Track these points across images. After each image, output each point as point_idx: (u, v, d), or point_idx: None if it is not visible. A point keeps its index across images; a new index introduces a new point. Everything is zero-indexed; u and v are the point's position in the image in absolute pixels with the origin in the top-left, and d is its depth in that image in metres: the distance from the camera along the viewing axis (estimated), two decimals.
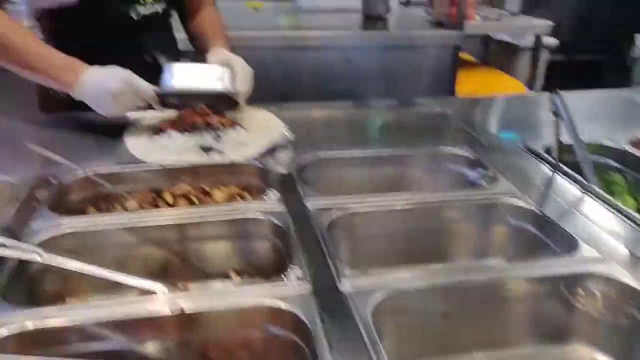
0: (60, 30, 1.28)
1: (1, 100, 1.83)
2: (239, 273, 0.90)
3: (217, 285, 0.87)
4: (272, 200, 0.93)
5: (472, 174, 1.13)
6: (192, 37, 1.50)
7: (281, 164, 1.08)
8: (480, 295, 0.78)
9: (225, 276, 0.90)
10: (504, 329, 0.80)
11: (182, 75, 1.19)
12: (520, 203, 0.97)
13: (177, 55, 1.50)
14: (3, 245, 0.72)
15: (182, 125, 1.16)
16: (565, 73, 3.33)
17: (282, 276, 0.73)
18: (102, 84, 1.11)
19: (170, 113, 1.24)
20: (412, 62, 2.27)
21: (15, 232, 0.83)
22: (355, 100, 1.64)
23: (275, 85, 2.00)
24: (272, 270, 0.89)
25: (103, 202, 1.00)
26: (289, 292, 0.71)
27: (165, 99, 1.18)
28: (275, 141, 1.16)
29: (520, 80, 2.97)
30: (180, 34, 1.54)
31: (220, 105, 1.22)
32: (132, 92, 1.12)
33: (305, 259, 0.78)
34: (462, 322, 0.77)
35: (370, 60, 2.21)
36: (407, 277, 0.76)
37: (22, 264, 0.76)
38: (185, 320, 0.68)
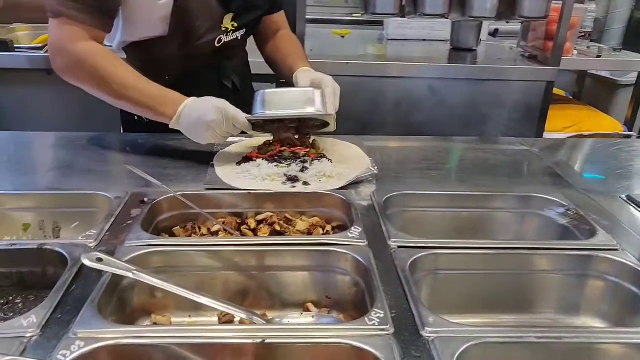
0: (146, 60, 1.35)
1: (90, 119, 2.02)
2: (317, 305, 0.90)
3: (294, 315, 0.87)
4: (355, 235, 0.93)
5: (565, 223, 1.08)
6: (271, 60, 1.55)
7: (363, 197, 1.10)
8: (571, 357, 0.73)
9: (303, 307, 0.90)
10: None
11: (273, 101, 1.24)
12: (621, 259, 0.91)
13: (251, 79, 1.58)
14: (100, 260, 0.77)
15: (269, 154, 1.21)
16: None
17: (364, 317, 0.72)
18: (200, 116, 1.16)
19: (259, 140, 1.29)
20: (501, 97, 2.21)
21: (110, 246, 0.89)
22: (438, 134, 1.63)
23: (358, 114, 2.08)
24: (351, 306, 0.88)
25: (189, 223, 1.04)
26: (370, 334, 0.70)
27: (258, 126, 1.22)
28: (361, 175, 1.17)
29: (618, 119, 2.81)
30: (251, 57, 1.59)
31: (312, 127, 1.25)
32: (227, 122, 1.17)
33: (387, 300, 0.77)
34: None
35: (456, 93, 2.18)
36: (492, 328, 0.73)
37: (115, 278, 0.81)
38: (265, 351, 0.69)
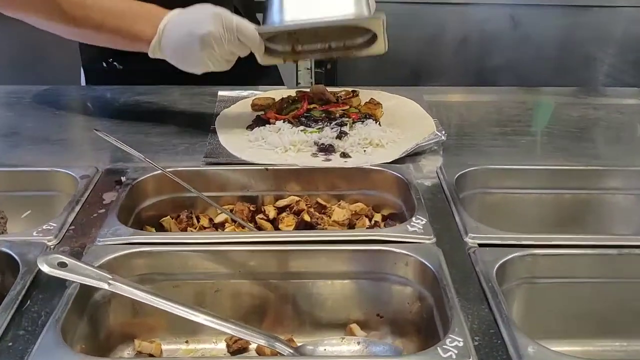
0: None
1: (42, 68, 2.01)
2: (364, 327, 0.88)
3: (333, 342, 0.84)
4: (417, 228, 0.90)
5: None
6: None
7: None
8: None
9: (345, 330, 0.88)
10: None
11: (296, 5, 1.15)
12: None
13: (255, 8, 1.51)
14: (63, 265, 0.75)
15: (293, 114, 1.19)
16: None
17: (437, 347, 0.69)
18: (191, 30, 1.10)
19: (277, 94, 1.27)
20: (611, 30, 2.16)
21: (76, 246, 0.87)
22: (522, 83, 1.61)
23: (412, 56, 2.04)
24: (413, 328, 0.86)
25: (184, 211, 1.03)
26: None
27: (274, 44, 1.15)
28: (423, 142, 1.15)
29: None
30: None
31: (352, 48, 1.18)
32: (230, 34, 1.10)
33: (466, 322, 0.74)
34: None
35: (547, 25, 2.13)
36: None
37: (85, 290, 0.78)
38: None
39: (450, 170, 1.07)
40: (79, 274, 0.74)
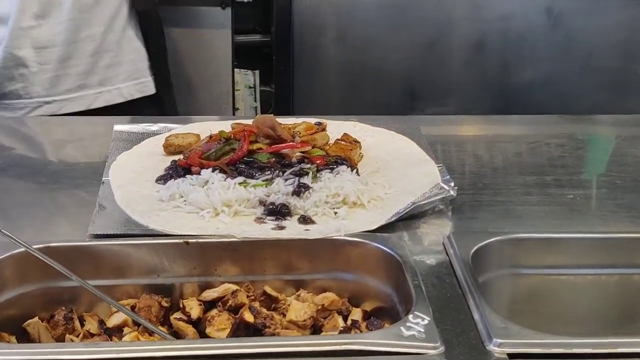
0: None
1: None
2: None
3: None
4: (417, 332, 0.89)
5: None
6: None
7: None
8: None
9: None
10: None
11: None
12: None
13: None
14: None
15: (227, 160, 1.20)
16: None
17: None
18: None
19: (208, 127, 1.31)
20: None
21: None
22: (564, 109, 1.67)
23: (405, 70, 2.07)
24: None
25: (61, 309, 1.01)
26: None
27: None
28: (422, 200, 1.16)
29: None
30: None
31: None
32: None
33: None
34: None
35: (599, 24, 2.17)
36: None
37: None
38: None
39: (464, 242, 1.07)
40: None
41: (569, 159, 1.39)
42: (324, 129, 1.30)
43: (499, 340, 0.89)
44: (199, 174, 1.18)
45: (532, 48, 2.18)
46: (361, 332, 0.99)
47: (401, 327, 0.90)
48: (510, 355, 0.88)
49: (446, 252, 1.07)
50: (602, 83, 2.16)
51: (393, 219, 1.12)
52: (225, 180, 1.15)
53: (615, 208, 1.26)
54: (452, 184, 1.20)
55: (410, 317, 0.91)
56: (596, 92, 2.14)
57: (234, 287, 1.03)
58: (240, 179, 1.16)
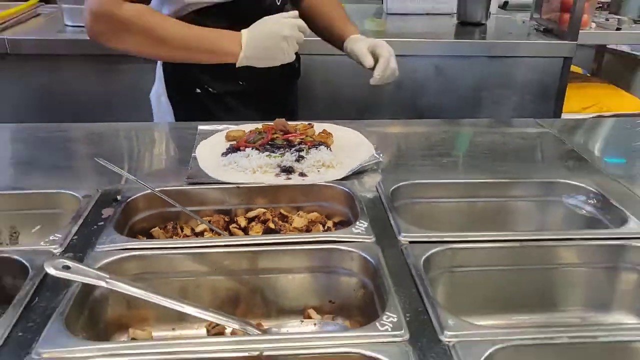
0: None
1: (52, 108, 1.97)
2: (319, 311, 0.87)
3: (293, 324, 0.84)
4: (361, 230, 0.90)
5: (593, 210, 1.06)
6: (310, 20, 1.51)
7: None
8: (608, 358, 0.72)
9: (303, 314, 0.87)
10: None
11: None
12: None
13: None
14: (67, 267, 0.73)
15: (260, 143, 1.18)
16: None
17: (375, 323, 0.69)
18: (271, 33, 1.26)
19: (246, 128, 1.26)
20: (514, 76, 2.19)
21: (79, 252, 0.85)
22: (445, 118, 1.60)
23: (357, 97, 2.02)
24: (358, 311, 0.86)
25: (170, 223, 1.01)
26: (383, 340, 0.67)
27: None
28: (364, 163, 1.15)
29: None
30: None
31: None
32: (298, 35, 1.28)
33: (400, 302, 0.74)
34: None
35: (464, 72, 2.15)
36: (519, 329, 0.71)
37: (86, 289, 0.77)
38: None
39: (387, 185, 1.06)
40: (81, 275, 0.73)
41: (446, 143, 1.37)
42: (312, 127, 1.28)
43: (404, 234, 0.90)
44: (244, 150, 1.16)
45: (427, 85, 2.15)
46: (331, 231, 1.00)
47: (352, 228, 0.91)
48: (410, 242, 0.88)
49: (377, 191, 1.06)
50: (466, 104, 2.15)
51: (349, 173, 1.11)
52: (258, 154, 1.14)
53: (469, 167, 1.25)
54: (381, 155, 1.19)
55: (357, 223, 0.91)
56: (461, 109, 2.13)
57: (264, 210, 1.02)
58: (267, 153, 1.14)
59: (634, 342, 0.71)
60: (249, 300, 0.88)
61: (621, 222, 0.97)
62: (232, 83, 1.42)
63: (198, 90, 1.43)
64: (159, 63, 1.48)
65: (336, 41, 1.53)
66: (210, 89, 1.42)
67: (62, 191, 1.02)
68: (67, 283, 0.76)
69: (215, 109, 1.44)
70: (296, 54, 1.31)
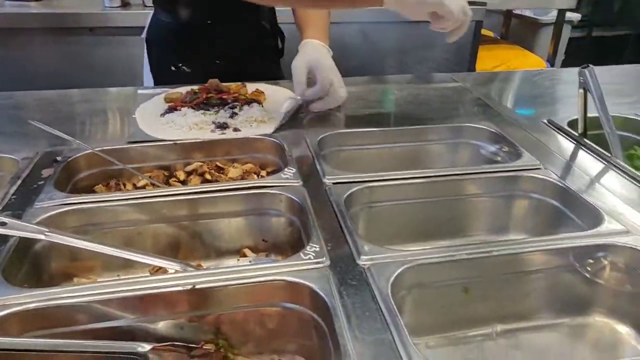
0: None
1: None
2: (254, 250, 0.87)
3: (230, 263, 0.83)
4: (289, 175, 0.89)
5: (494, 149, 1.09)
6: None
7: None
8: (501, 268, 0.75)
9: (240, 254, 0.86)
10: (524, 302, 0.77)
11: None
12: (543, 177, 0.93)
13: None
14: (3, 224, 0.68)
15: (195, 102, 1.13)
16: (587, 48, 3.21)
17: (300, 253, 0.69)
18: None
19: (182, 90, 1.21)
20: (431, 38, 2.18)
21: (17, 210, 0.80)
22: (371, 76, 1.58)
23: (288, 61, 1.97)
24: (288, 246, 0.85)
25: (112, 180, 0.97)
26: (306, 267, 0.67)
27: None
28: (287, 110, 1.12)
29: (541, 56, 2.87)
30: None
31: None
32: None
33: (322, 235, 0.74)
34: (482, 296, 0.74)
35: (388, 36, 2.13)
36: (427, 251, 0.72)
37: (25, 243, 0.73)
38: (197, 297, 0.64)
39: (314, 135, 1.05)
40: (18, 230, 0.68)
41: (372, 96, 1.36)
42: (244, 86, 1.24)
43: (328, 176, 0.89)
44: (180, 110, 1.12)
45: (355, 49, 2.12)
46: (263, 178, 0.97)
47: (281, 174, 0.89)
48: (333, 183, 0.88)
49: (305, 142, 1.03)
50: (390, 66, 2.15)
51: (279, 126, 1.09)
52: (194, 112, 1.10)
53: (392, 118, 1.25)
54: (298, 98, 1.16)
55: (286, 169, 0.90)
56: (386, 70, 2.12)
57: (201, 163, 0.99)
58: (202, 111, 1.11)
59: (520, 254, 0.74)
60: (189, 245, 0.86)
61: (517, 157, 0.99)
62: (209, 62, 1.30)
63: (173, 68, 1.33)
64: (144, 33, 1.37)
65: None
66: (185, 68, 1.33)
67: (1, 155, 0.95)
68: (6, 239, 0.71)
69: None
70: (280, 32, 1.18)
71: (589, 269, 0.76)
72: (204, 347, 0.62)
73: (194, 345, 0.61)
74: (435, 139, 1.13)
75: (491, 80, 1.61)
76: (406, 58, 2.18)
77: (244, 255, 0.85)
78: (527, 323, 0.77)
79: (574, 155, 1.05)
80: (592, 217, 0.82)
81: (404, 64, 2.17)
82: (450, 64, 2.25)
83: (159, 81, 1.38)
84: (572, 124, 1.14)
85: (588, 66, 1.04)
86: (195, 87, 1.21)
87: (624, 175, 0.95)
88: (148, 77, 1.41)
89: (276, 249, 0.87)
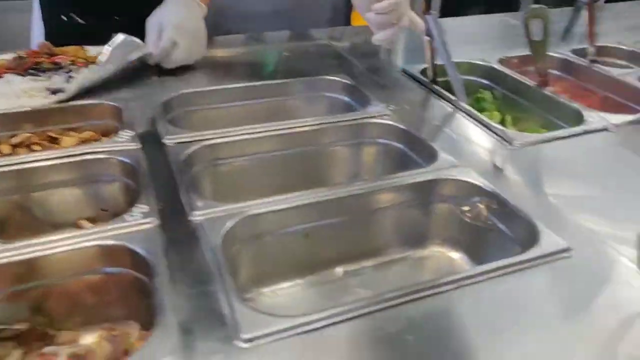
0: None
1: None
2: (93, 221, 0.82)
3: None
4: (124, 139, 0.84)
5: (347, 99, 1.11)
6: None
7: None
8: (340, 210, 0.76)
9: (77, 226, 0.81)
10: (366, 240, 0.80)
11: None
12: (389, 122, 0.96)
13: None
14: None
15: (22, 68, 1.03)
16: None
17: (123, 215, 0.66)
18: None
19: (11, 55, 1.10)
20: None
21: None
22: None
23: None
24: (126, 211, 0.81)
25: None
26: (129, 230, 0.64)
27: None
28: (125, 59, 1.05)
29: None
30: None
31: None
32: None
33: (155, 195, 0.72)
34: (323, 240, 0.76)
35: None
36: (264, 202, 0.72)
37: None
38: (11, 272, 0.60)
39: (159, 98, 0.99)
40: None
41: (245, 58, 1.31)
42: (83, 49, 1.13)
43: (169, 137, 0.86)
44: (3, 77, 1.01)
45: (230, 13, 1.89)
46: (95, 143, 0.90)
47: (117, 137, 0.85)
48: (175, 143, 0.85)
49: (151, 104, 0.97)
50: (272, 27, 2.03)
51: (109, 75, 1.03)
52: (22, 78, 1.00)
53: (285, 74, 1.18)
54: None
55: (121, 132, 0.86)
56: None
57: (29, 134, 0.91)
58: (31, 77, 1.01)
59: (369, 192, 0.77)
60: (19, 222, 0.80)
61: (364, 105, 1.02)
62: (105, 16, 1.16)
63: (64, 18, 1.18)
64: None
65: None
66: (79, 19, 1.19)
67: None
68: None
69: (84, 43, 1.15)
70: None
71: (424, 203, 0.81)
72: (15, 327, 0.58)
73: (2, 327, 0.57)
74: (290, 94, 1.12)
75: (357, 33, 1.63)
76: (282, 18, 2.11)
77: (80, 227, 0.80)
78: (369, 261, 0.80)
79: (422, 101, 1.11)
80: (429, 155, 0.86)
81: (280, 25, 2.11)
82: (327, 20, 2.24)
83: (49, 33, 1.22)
84: (425, 71, 1.19)
85: (430, 13, 1.08)
86: (22, 52, 1.09)
87: (466, 116, 1.01)
88: (39, 26, 1.25)
89: (116, 216, 0.82)
